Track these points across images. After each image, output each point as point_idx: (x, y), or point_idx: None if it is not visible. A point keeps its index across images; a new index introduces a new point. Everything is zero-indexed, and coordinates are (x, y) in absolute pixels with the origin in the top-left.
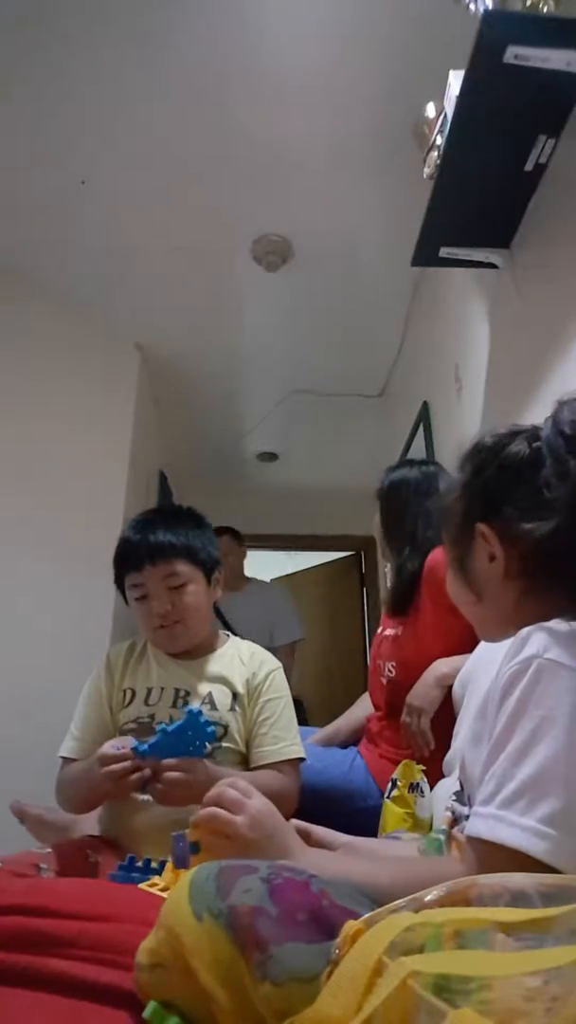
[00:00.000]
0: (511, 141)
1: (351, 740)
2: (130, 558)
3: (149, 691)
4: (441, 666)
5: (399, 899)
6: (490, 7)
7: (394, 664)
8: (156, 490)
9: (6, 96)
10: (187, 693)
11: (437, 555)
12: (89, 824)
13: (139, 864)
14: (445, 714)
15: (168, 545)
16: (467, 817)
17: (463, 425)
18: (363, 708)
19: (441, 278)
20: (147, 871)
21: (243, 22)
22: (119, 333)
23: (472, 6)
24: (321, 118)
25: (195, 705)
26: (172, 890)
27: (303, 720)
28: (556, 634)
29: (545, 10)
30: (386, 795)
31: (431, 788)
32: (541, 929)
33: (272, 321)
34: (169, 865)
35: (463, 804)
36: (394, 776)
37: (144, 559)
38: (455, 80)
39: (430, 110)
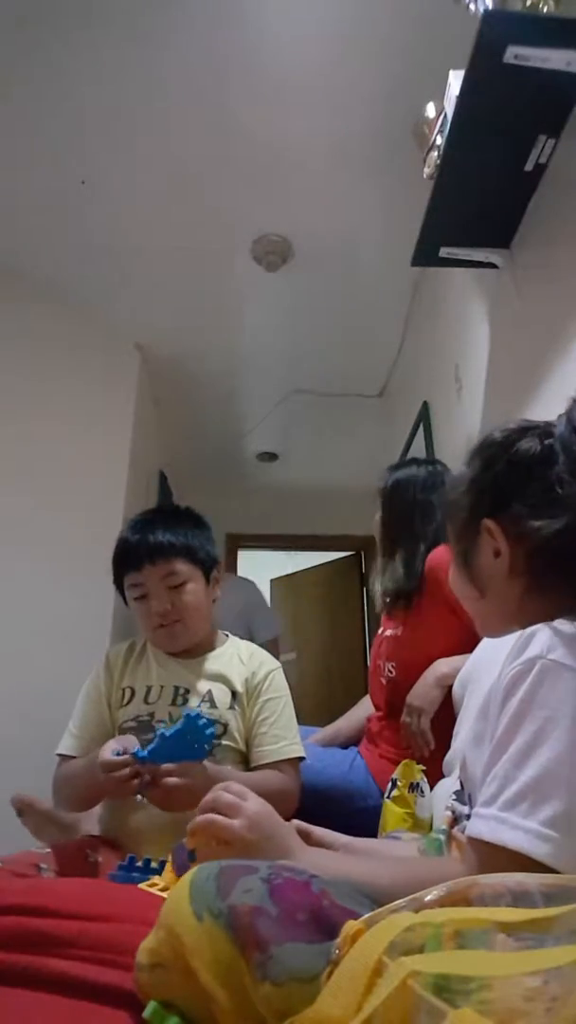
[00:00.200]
0: (511, 141)
1: (351, 741)
2: (129, 558)
3: (149, 689)
4: (441, 666)
5: (399, 899)
6: (490, 7)
7: (394, 664)
8: (156, 490)
9: (6, 96)
10: (187, 691)
11: (437, 555)
12: (91, 823)
13: (139, 864)
14: (445, 714)
15: (167, 545)
16: (467, 817)
17: (463, 425)
18: (364, 709)
19: (441, 278)
20: (147, 871)
21: (243, 22)
22: (119, 333)
23: (472, 6)
24: (321, 118)
25: (193, 708)
26: (172, 890)
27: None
28: (561, 634)
29: (545, 10)
30: (386, 795)
31: (431, 788)
32: (541, 929)
33: (272, 321)
34: (169, 865)
35: (463, 803)
36: (394, 776)
37: (143, 559)
38: (455, 80)
39: (430, 110)
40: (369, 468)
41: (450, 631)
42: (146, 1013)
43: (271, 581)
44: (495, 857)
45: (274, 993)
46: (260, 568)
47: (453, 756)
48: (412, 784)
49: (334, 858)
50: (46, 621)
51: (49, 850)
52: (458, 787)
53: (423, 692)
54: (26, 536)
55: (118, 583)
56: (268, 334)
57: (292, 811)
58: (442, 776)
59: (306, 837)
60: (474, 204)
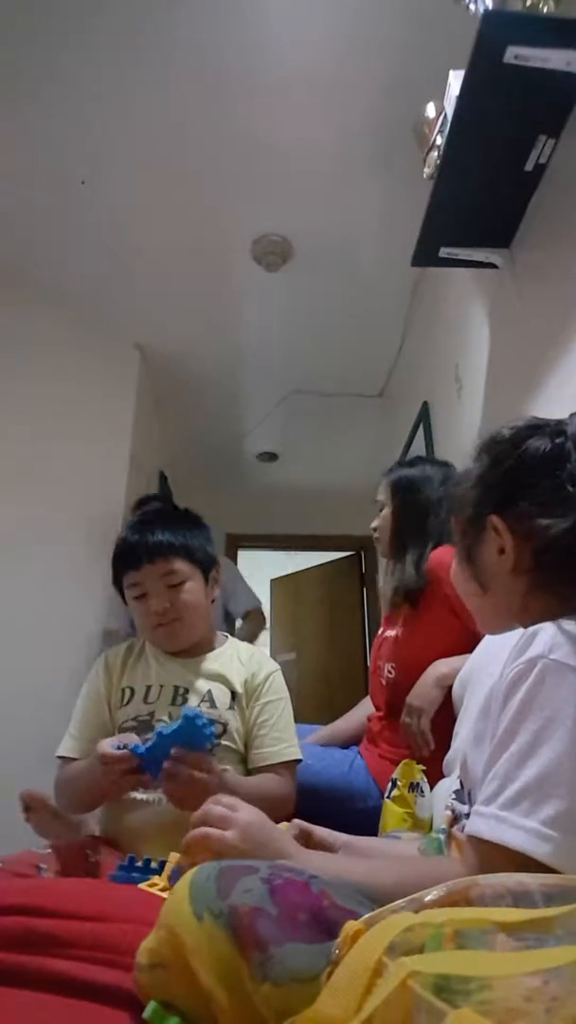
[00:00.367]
0: (511, 141)
1: (351, 741)
2: (129, 557)
3: (148, 689)
4: (441, 666)
5: (399, 899)
6: (490, 7)
7: (394, 665)
8: (156, 490)
9: (6, 96)
10: (186, 691)
11: (437, 555)
12: (96, 824)
13: (139, 864)
14: (445, 714)
15: (166, 544)
16: (467, 816)
17: (463, 425)
18: (364, 710)
19: (441, 278)
20: (147, 871)
21: (243, 23)
22: (119, 333)
23: (472, 6)
24: (321, 118)
25: (192, 708)
26: (173, 890)
27: None
28: (565, 633)
29: (545, 10)
30: (386, 795)
31: (431, 788)
32: (541, 929)
33: (272, 321)
34: (169, 865)
35: (463, 803)
36: (394, 776)
37: (142, 557)
38: (455, 80)
39: (430, 110)
40: (369, 468)
41: (450, 632)
42: (146, 1013)
43: (271, 581)
44: (495, 856)
45: (274, 993)
46: (260, 568)
47: (453, 756)
48: (412, 784)
49: (332, 859)
50: (46, 621)
51: (49, 850)
52: (458, 786)
53: (423, 692)
54: (26, 536)
55: (117, 583)
56: (268, 334)
57: (289, 814)
58: (442, 776)
59: (307, 837)
60: (474, 204)
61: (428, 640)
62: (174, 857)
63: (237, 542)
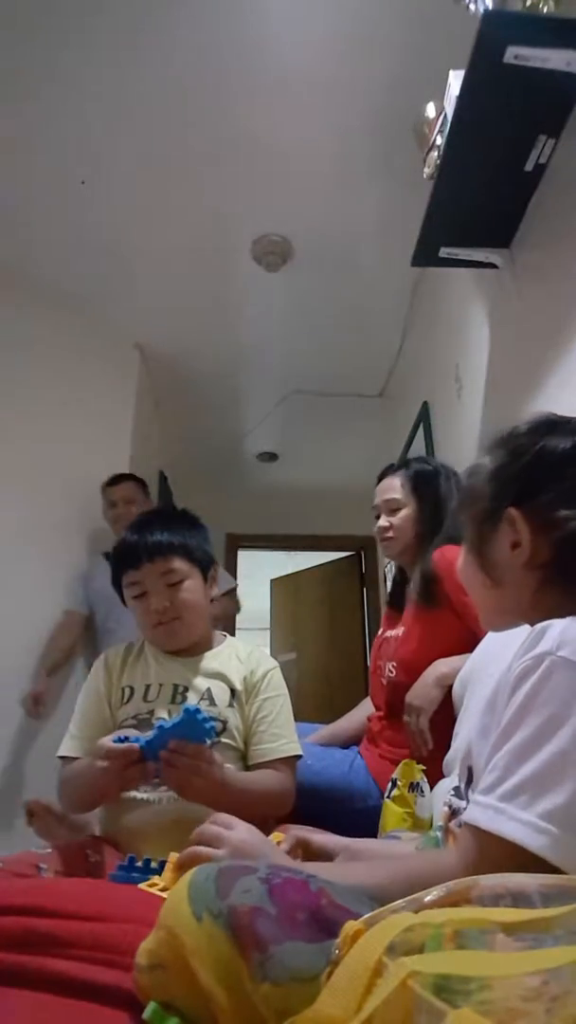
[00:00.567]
0: (511, 141)
1: (352, 741)
2: (128, 557)
3: (148, 687)
4: (441, 666)
5: (396, 895)
6: (490, 7)
7: (394, 664)
8: (156, 490)
9: (6, 96)
10: (185, 689)
11: (439, 554)
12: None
13: (139, 864)
14: (445, 714)
15: (165, 543)
16: (466, 810)
17: (463, 425)
18: (364, 710)
19: (441, 278)
20: (147, 871)
21: (243, 23)
22: (119, 333)
23: (472, 6)
24: (321, 118)
25: (192, 703)
26: (172, 891)
27: None
28: (574, 631)
29: (545, 10)
30: (386, 795)
31: (431, 788)
32: (541, 929)
33: (272, 321)
34: (169, 865)
35: (461, 799)
36: (394, 776)
37: (141, 556)
38: (455, 80)
39: (430, 110)
40: (369, 468)
41: (451, 632)
42: (146, 1014)
43: (271, 581)
44: (490, 846)
45: (274, 993)
46: (260, 568)
47: (453, 756)
48: (412, 784)
49: (327, 868)
50: (46, 622)
51: (49, 850)
52: (457, 783)
53: (422, 691)
54: (26, 536)
55: (117, 583)
56: (268, 334)
57: (288, 810)
58: (442, 776)
59: (305, 846)
60: (474, 204)
61: (429, 640)
62: (174, 857)
63: (237, 542)
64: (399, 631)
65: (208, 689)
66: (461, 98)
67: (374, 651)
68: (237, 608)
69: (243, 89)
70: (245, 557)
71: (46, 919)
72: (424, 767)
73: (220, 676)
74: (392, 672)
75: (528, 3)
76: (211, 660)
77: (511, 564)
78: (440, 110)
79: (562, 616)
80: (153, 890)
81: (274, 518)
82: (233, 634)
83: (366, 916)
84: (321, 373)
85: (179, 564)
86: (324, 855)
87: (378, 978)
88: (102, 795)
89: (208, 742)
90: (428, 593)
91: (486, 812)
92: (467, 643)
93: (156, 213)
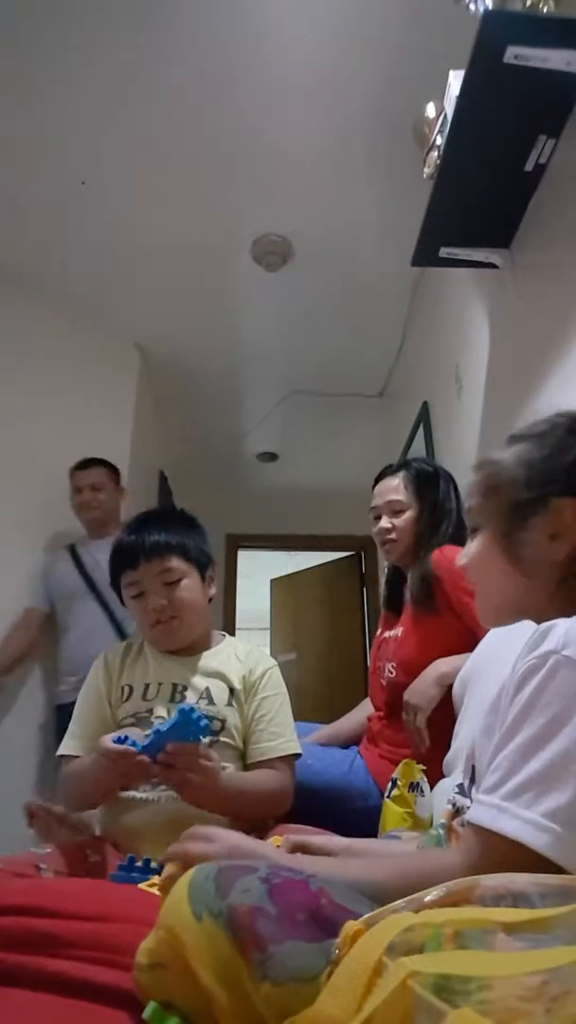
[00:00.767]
0: (511, 141)
1: (352, 741)
2: (126, 557)
3: (147, 686)
4: (441, 665)
5: (395, 893)
6: (490, 7)
7: (394, 665)
8: (156, 490)
9: (7, 96)
10: (184, 688)
11: (438, 555)
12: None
13: (139, 864)
14: (445, 714)
15: (163, 543)
16: (470, 808)
17: (463, 425)
18: (364, 710)
19: (441, 278)
20: (147, 871)
21: (244, 23)
22: (119, 333)
23: (472, 6)
24: (321, 118)
25: (187, 703)
26: (172, 890)
27: None
28: None
29: (545, 10)
30: (386, 794)
31: (431, 788)
32: (541, 929)
33: (272, 321)
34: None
35: (465, 797)
36: (394, 776)
37: (139, 556)
38: (455, 80)
39: (430, 110)
40: (369, 468)
41: (451, 632)
42: (146, 1013)
43: (271, 581)
44: (493, 845)
45: (274, 993)
46: (260, 568)
47: (454, 756)
48: (412, 784)
49: (325, 863)
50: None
51: (49, 850)
52: (460, 781)
53: (421, 690)
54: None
55: (115, 584)
56: (268, 334)
57: (287, 809)
58: (442, 776)
59: (303, 850)
60: (474, 204)
61: (429, 640)
62: None
63: (237, 542)
64: (397, 631)
65: (207, 688)
66: (461, 98)
67: (373, 651)
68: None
69: (243, 89)
70: (245, 557)
71: (46, 919)
72: (424, 767)
73: (219, 675)
74: (392, 672)
75: (528, 3)
76: (210, 659)
77: (543, 556)
78: (440, 110)
79: (568, 616)
80: (153, 890)
81: (274, 518)
82: (233, 633)
83: (366, 916)
84: (321, 373)
85: (176, 563)
86: (324, 856)
87: (378, 978)
88: (103, 793)
89: (204, 739)
90: (427, 593)
91: (489, 811)
92: (466, 643)
93: (156, 213)
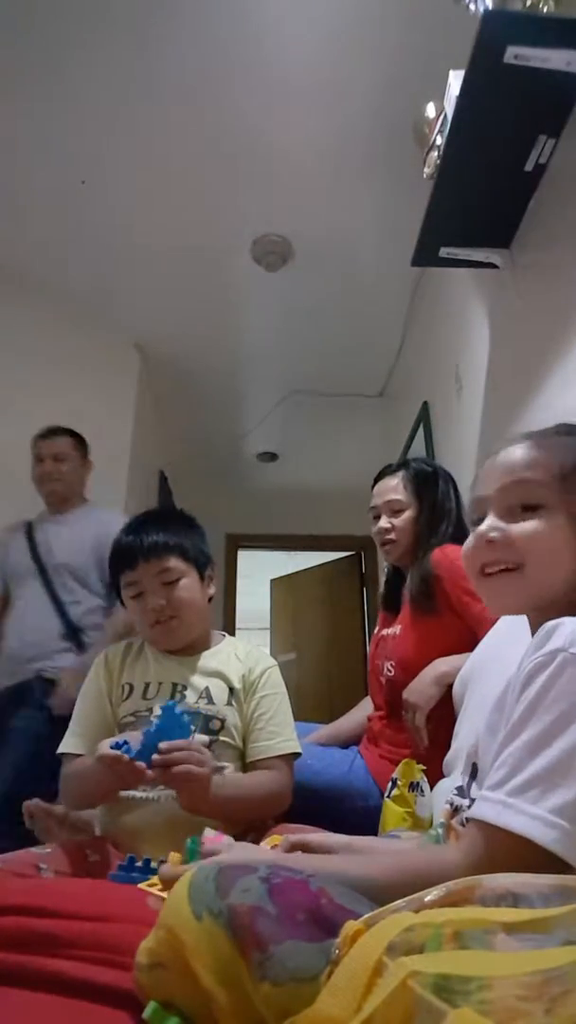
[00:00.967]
0: (511, 141)
1: (352, 740)
2: (124, 557)
3: (147, 686)
4: (441, 665)
5: (395, 890)
6: (490, 7)
7: (393, 663)
8: (156, 490)
9: (7, 96)
10: (184, 687)
11: (439, 553)
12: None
13: (139, 864)
14: (445, 714)
15: (161, 543)
16: (468, 807)
17: (463, 425)
18: (364, 709)
19: (441, 278)
20: (147, 871)
21: (244, 23)
22: (119, 333)
23: (472, 6)
24: (321, 118)
25: (171, 700)
26: (172, 890)
27: None
28: None
29: (545, 10)
30: (386, 794)
31: (431, 788)
32: (541, 929)
33: (272, 321)
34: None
35: (464, 797)
36: (394, 775)
37: (137, 557)
38: (455, 80)
39: (430, 110)
40: (369, 468)
41: (450, 631)
42: (146, 1013)
43: (271, 581)
44: (498, 841)
45: (274, 992)
46: (260, 568)
47: (454, 756)
48: (412, 783)
49: (324, 861)
50: None
51: (49, 850)
52: (460, 782)
53: (420, 689)
54: None
55: (115, 584)
56: (268, 334)
57: (285, 809)
58: (442, 776)
59: (304, 848)
60: (474, 204)
61: (428, 639)
62: (174, 857)
63: (237, 542)
64: (396, 629)
65: (206, 687)
66: (461, 98)
67: (372, 649)
68: None
69: (243, 89)
70: (245, 557)
71: (46, 919)
72: (424, 767)
73: (219, 674)
74: (391, 671)
75: (528, 3)
76: (210, 659)
77: None
78: (440, 110)
79: None
80: (153, 890)
81: (274, 518)
82: (233, 633)
83: (366, 916)
84: (321, 373)
85: (175, 563)
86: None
87: (378, 978)
88: (103, 794)
89: (190, 732)
90: (427, 593)
91: (495, 807)
92: (466, 643)
93: (156, 213)
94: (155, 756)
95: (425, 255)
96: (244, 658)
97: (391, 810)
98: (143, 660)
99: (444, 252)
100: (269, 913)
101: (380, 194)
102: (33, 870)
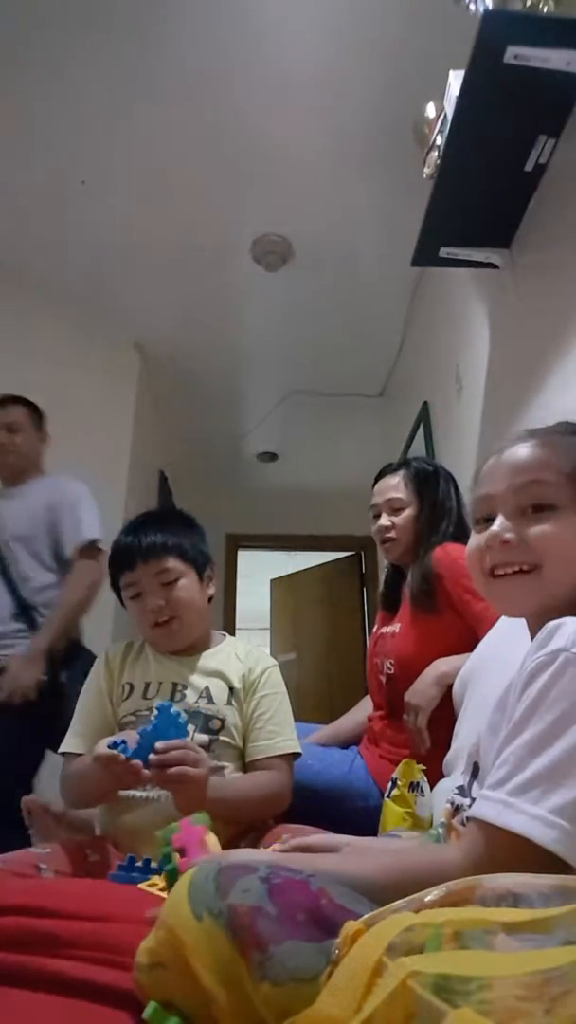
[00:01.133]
0: (511, 141)
1: (352, 740)
2: (123, 558)
3: (147, 685)
4: (441, 665)
5: (395, 889)
6: (490, 7)
7: (393, 661)
8: (156, 490)
9: (7, 96)
10: (184, 687)
11: (440, 552)
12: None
13: (139, 864)
14: (445, 714)
15: (159, 544)
16: (469, 806)
17: (463, 425)
18: (364, 709)
19: (441, 278)
20: (147, 871)
21: (244, 23)
22: (119, 333)
23: (472, 6)
24: (321, 118)
25: (166, 700)
26: (172, 890)
27: None
28: None
29: (545, 10)
30: (386, 794)
31: (431, 788)
32: (541, 929)
33: (272, 321)
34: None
35: (465, 796)
36: (394, 775)
37: (136, 557)
38: (455, 80)
39: (430, 110)
40: (369, 468)
41: (451, 630)
42: (146, 1013)
43: (271, 581)
44: (498, 840)
45: (274, 993)
46: (260, 568)
47: (454, 756)
48: (412, 784)
49: (323, 860)
50: None
51: (49, 850)
52: (460, 782)
53: (421, 690)
54: None
55: (115, 585)
56: (268, 334)
57: (285, 808)
58: (442, 776)
59: (304, 851)
60: (474, 204)
61: (428, 638)
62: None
63: (237, 542)
64: (395, 627)
65: (206, 687)
66: (461, 98)
67: (371, 648)
68: (95, 575)
69: (243, 89)
70: (245, 557)
71: (46, 919)
72: (424, 767)
73: (219, 674)
74: (390, 668)
75: (528, 3)
76: (210, 659)
77: None
78: (440, 110)
79: None
80: (153, 890)
81: (274, 518)
82: (233, 633)
83: (366, 916)
84: (321, 373)
85: (173, 564)
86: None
87: (378, 978)
88: (102, 794)
89: (185, 731)
90: (428, 592)
91: (495, 806)
92: (467, 642)
93: (156, 213)
94: (151, 756)
95: (425, 255)
96: (244, 658)
97: (391, 810)
98: (143, 660)
99: (444, 252)
100: (269, 913)
101: (380, 194)
102: (33, 870)
